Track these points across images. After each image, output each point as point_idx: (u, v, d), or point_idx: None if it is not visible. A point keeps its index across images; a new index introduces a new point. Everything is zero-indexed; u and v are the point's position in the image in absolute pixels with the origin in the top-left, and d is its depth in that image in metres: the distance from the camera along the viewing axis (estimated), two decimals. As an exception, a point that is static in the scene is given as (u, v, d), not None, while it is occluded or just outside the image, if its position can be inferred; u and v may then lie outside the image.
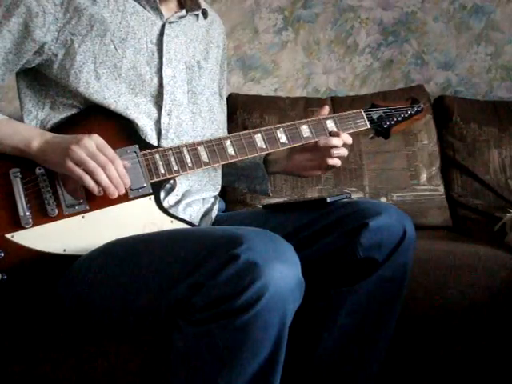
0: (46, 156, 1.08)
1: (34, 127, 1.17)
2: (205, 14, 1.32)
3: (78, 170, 1.05)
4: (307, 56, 2.34)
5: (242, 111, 2.09)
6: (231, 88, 2.29)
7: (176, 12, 1.25)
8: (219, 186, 1.34)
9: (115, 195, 1.07)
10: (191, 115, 1.26)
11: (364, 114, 1.33)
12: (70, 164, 1.04)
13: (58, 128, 1.16)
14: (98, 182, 1.05)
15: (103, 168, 1.05)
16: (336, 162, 1.25)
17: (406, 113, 1.38)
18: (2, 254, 1.05)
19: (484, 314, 1.48)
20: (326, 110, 1.30)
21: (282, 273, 0.90)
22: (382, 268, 1.16)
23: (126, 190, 1.11)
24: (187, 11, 1.26)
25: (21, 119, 1.19)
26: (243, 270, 0.88)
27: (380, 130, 1.35)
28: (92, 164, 1.04)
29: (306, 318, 1.18)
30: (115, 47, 1.17)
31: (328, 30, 2.33)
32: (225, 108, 1.44)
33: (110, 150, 1.07)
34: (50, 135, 1.11)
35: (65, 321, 1.16)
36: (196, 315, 0.92)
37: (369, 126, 1.33)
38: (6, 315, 1.12)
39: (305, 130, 1.27)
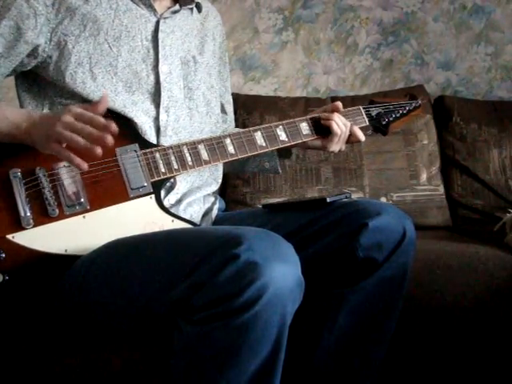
0: (33, 139, 1.07)
1: (23, 110, 1.16)
2: (199, 7, 1.31)
3: (56, 145, 1.02)
4: (307, 56, 2.34)
5: (242, 111, 2.09)
6: (231, 88, 2.29)
7: (169, 7, 1.24)
8: (220, 180, 1.34)
9: (98, 151, 0.99)
10: (188, 111, 1.26)
11: (363, 111, 1.34)
12: (52, 144, 1.02)
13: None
14: (78, 148, 1.00)
15: (79, 132, 0.99)
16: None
17: (405, 109, 1.38)
18: (3, 255, 1.05)
19: (484, 313, 1.48)
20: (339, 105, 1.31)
21: (282, 272, 0.90)
22: (382, 268, 1.16)
23: (126, 189, 1.11)
24: (181, 5, 1.25)
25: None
26: (243, 269, 0.88)
27: (378, 126, 1.35)
28: (67, 134, 0.99)
29: (306, 317, 1.18)
30: (110, 46, 1.17)
31: (328, 30, 2.33)
32: (231, 99, 1.47)
33: (87, 113, 1.02)
34: (36, 116, 1.09)
35: (66, 321, 1.16)
36: (196, 315, 0.92)
37: (367, 123, 1.33)
38: (7, 316, 1.12)
39: (304, 128, 1.28)
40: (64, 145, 1.01)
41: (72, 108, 1.03)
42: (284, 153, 1.38)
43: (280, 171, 1.39)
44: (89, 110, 1.02)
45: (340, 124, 1.27)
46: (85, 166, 1.02)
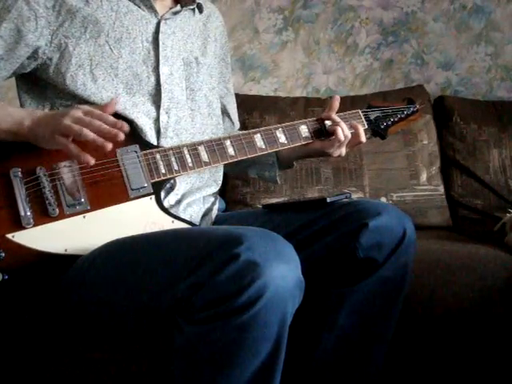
0: (36, 134, 1.06)
1: (25, 109, 1.16)
2: (200, 8, 1.31)
3: (63, 139, 1.01)
4: (307, 56, 2.34)
5: (242, 111, 2.07)
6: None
7: (171, 8, 1.24)
8: (220, 182, 1.34)
9: (109, 146, 1.00)
10: (190, 112, 1.26)
11: (362, 115, 1.34)
12: (59, 138, 1.02)
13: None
14: (85, 141, 1.00)
15: (88, 126, 1.00)
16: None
17: (403, 113, 1.39)
18: (3, 254, 1.05)
19: (484, 313, 1.48)
20: (337, 100, 1.30)
21: (282, 272, 0.90)
22: (382, 268, 1.17)
23: (126, 190, 1.11)
24: (182, 6, 1.26)
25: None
26: (243, 269, 0.88)
27: (377, 130, 1.35)
28: (76, 127, 1.00)
29: (306, 317, 1.18)
30: (110, 48, 1.17)
31: (328, 30, 2.33)
32: (234, 100, 1.46)
33: (96, 111, 1.03)
34: (40, 113, 1.09)
35: (66, 321, 1.16)
36: (196, 314, 0.92)
37: (366, 127, 1.34)
38: (6, 316, 1.12)
39: (303, 130, 1.28)
40: (70, 139, 1.01)
41: (80, 106, 1.04)
42: (285, 165, 1.39)
43: (278, 182, 1.41)
44: (97, 109, 1.02)
45: (345, 130, 1.27)
46: (92, 161, 1.02)
